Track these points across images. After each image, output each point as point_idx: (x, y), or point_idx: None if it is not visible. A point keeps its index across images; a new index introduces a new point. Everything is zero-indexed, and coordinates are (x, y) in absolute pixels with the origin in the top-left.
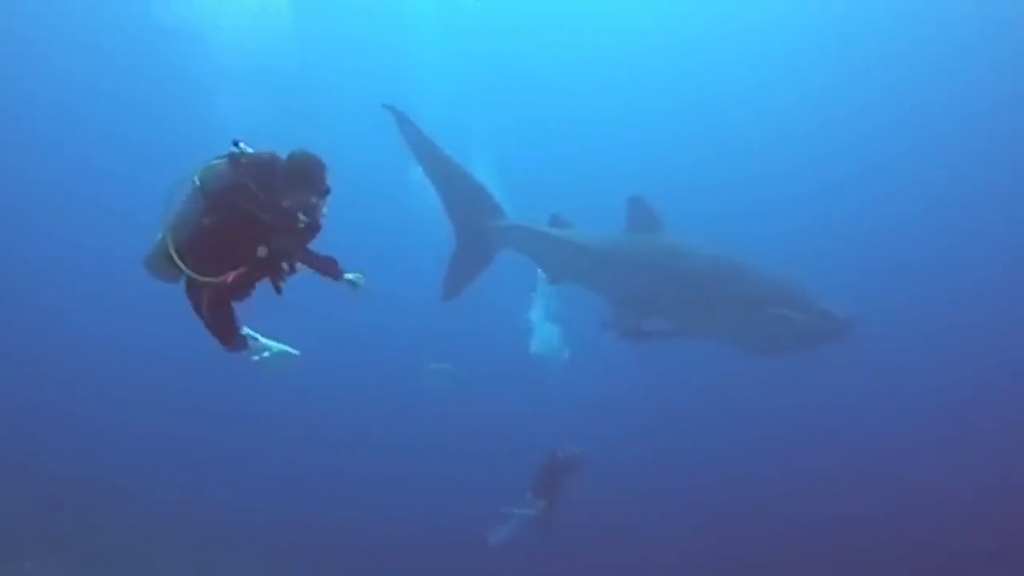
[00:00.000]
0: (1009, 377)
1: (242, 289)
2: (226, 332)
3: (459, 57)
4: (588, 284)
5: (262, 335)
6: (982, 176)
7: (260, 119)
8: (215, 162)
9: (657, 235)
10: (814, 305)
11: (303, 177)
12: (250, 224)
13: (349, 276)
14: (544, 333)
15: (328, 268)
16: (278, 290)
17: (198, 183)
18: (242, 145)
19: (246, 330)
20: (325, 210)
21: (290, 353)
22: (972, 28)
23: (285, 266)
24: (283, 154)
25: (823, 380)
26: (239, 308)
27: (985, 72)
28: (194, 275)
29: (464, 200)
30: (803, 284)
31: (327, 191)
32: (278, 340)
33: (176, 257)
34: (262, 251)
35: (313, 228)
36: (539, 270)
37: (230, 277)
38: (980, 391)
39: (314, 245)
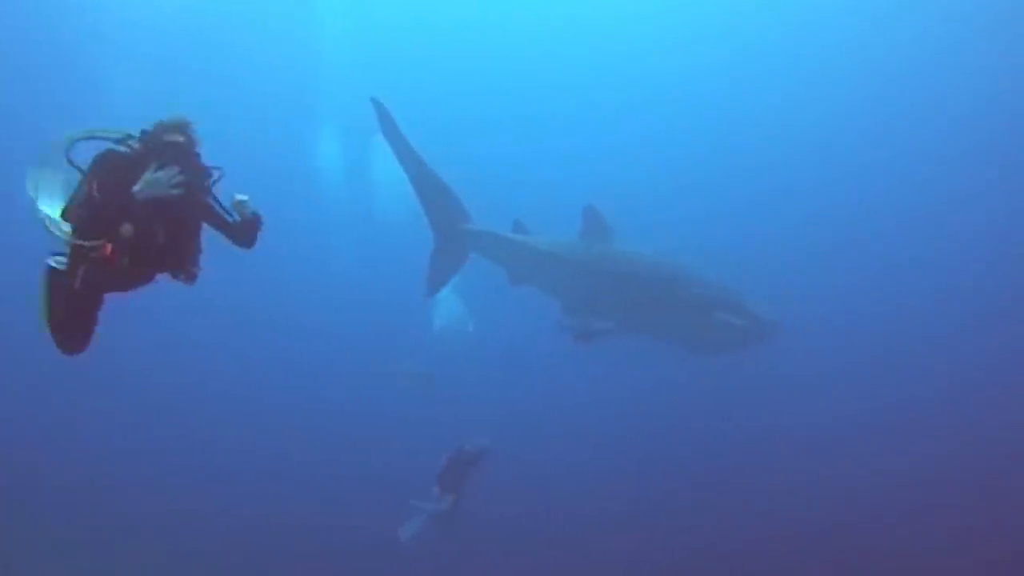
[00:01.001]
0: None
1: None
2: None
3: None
4: (544, 286)
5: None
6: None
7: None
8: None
9: (608, 242)
10: (747, 309)
11: (156, 138)
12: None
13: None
14: (447, 307)
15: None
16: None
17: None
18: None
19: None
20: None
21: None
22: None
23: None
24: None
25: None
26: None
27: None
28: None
29: (439, 203)
30: (739, 290)
31: (185, 152)
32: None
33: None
34: (127, 229)
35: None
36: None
37: (107, 248)
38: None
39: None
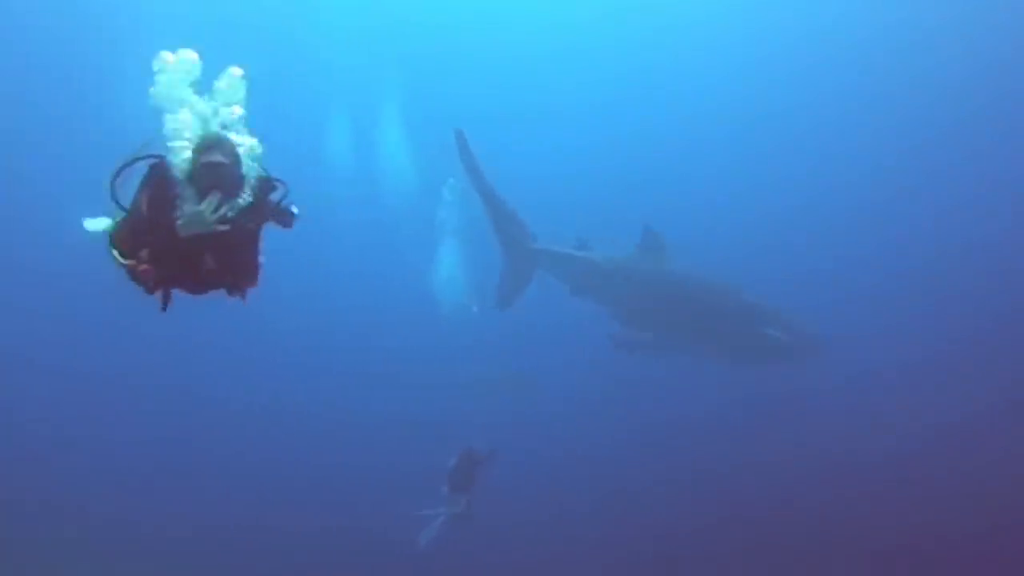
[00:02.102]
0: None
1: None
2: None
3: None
4: (602, 300)
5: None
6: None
7: None
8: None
9: (664, 259)
10: (792, 325)
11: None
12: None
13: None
14: (451, 290)
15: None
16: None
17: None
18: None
19: None
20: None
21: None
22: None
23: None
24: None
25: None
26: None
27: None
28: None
29: (508, 225)
30: (784, 307)
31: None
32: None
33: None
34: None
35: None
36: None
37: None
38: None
39: None
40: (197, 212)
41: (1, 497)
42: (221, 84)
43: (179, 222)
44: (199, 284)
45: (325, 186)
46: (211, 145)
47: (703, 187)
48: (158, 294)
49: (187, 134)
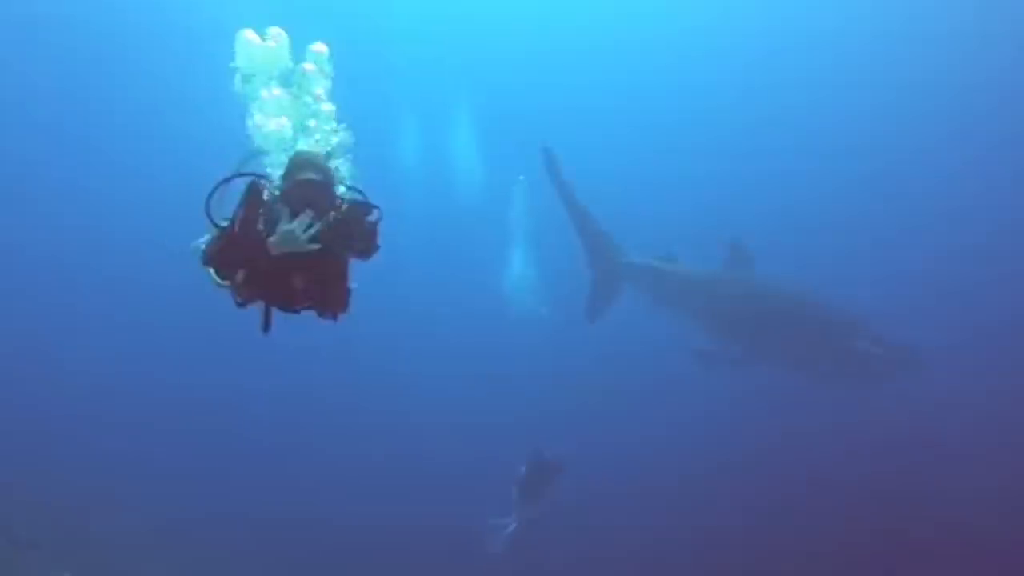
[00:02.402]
0: None
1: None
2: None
3: None
4: (690, 314)
5: None
6: None
7: None
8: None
9: (752, 272)
10: (887, 340)
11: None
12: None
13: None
14: (521, 293)
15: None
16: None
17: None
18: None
19: None
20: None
21: None
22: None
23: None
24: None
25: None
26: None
27: None
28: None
29: (596, 240)
30: (877, 321)
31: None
32: None
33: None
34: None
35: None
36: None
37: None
38: None
39: None
40: (289, 230)
41: (88, 493)
42: (307, 66)
43: (270, 240)
44: (289, 304)
45: (395, 187)
46: (305, 163)
47: (779, 191)
48: (254, 309)
49: (274, 126)
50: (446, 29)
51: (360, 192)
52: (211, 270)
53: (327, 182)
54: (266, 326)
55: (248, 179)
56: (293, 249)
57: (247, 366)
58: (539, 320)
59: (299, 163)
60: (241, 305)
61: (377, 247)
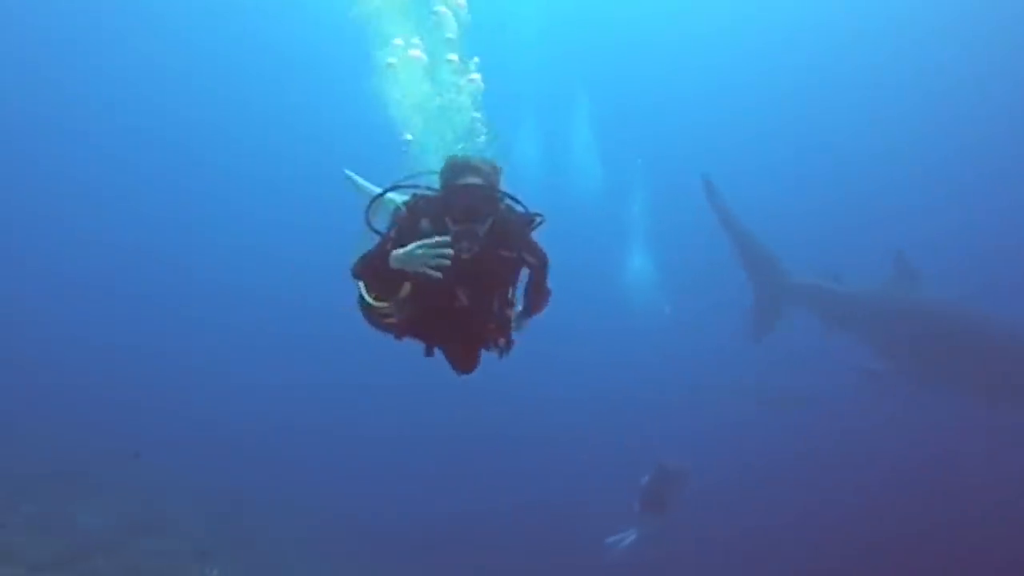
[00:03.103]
0: None
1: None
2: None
3: None
4: (860, 335)
5: None
6: None
7: None
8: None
9: (918, 288)
10: None
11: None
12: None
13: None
14: (643, 288)
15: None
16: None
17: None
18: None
19: None
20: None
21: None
22: None
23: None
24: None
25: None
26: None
27: None
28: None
29: (759, 261)
30: None
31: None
32: None
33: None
34: (405, 290)
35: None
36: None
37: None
38: None
39: None
40: (410, 252)
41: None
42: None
43: (394, 255)
44: (451, 328)
45: (516, 186)
46: (464, 166)
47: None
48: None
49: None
50: (567, 28)
51: (517, 200)
52: (363, 289)
53: (490, 186)
54: (429, 351)
55: (410, 190)
56: (413, 270)
57: (375, 363)
58: (662, 318)
59: (458, 166)
60: (398, 337)
61: (546, 259)
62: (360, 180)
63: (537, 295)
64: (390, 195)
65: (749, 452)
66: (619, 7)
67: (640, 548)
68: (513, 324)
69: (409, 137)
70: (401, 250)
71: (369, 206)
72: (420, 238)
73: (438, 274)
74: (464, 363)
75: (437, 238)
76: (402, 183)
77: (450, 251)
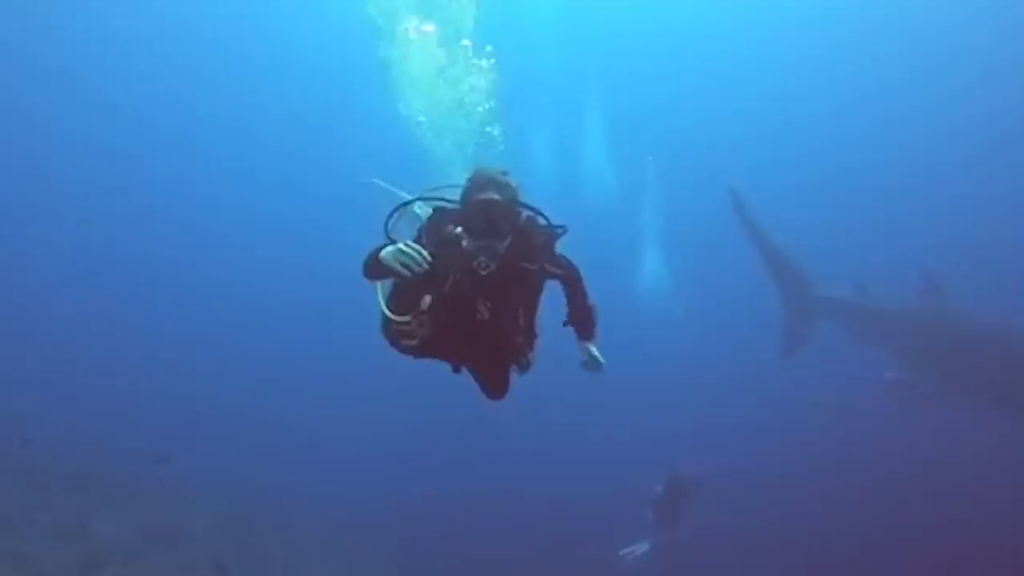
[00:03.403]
0: None
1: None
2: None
3: None
4: (888, 348)
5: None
6: None
7: None
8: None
9: (945, 303)
10: None
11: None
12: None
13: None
14: (654, 288)
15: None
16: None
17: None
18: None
19: None
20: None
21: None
22: None
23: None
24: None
25: None
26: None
27: None
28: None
29: (787, 275)
30: None
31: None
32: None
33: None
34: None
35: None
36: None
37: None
38: None
39: None
40: (394, 250)
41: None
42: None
43: (383, 251)
44: (474, 344)
45: (528, 187)
46: (487, 182)
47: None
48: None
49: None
50: (580, 29)
51: (539, 212)
52: (383, 302)
53: (510, 202)
54: (456, 369)
55: (432, 203)
56: (392, 268)
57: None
58: (674, 320)
59: (480, 182)
60: (419, 355)
61: (577, 272)
62: (387, 186)
63: (578, 309)
64: (416, 210)
65: (764, 458)
66: (633, 7)
67: (653, 558)
68: (582, 359)
69: (422, 119)
70: (388, 247)
71: (391, 215)
72: (439, 249)
73: (407, 273)
74: (495, 386)
75: (415, 245)
76: (426, 195)
77: (424, 260)
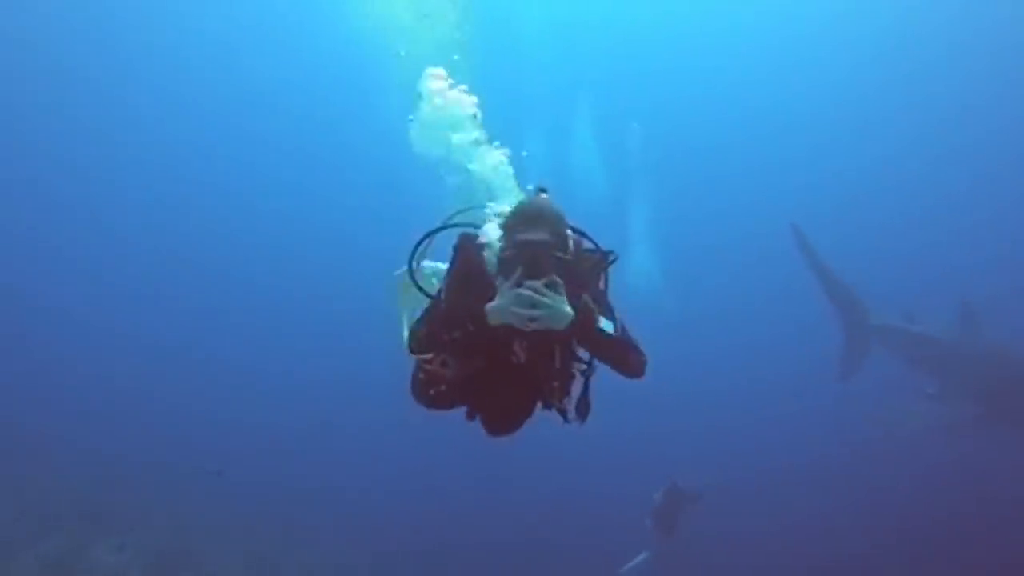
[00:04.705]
0: None
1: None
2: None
3: None
4: (935, 373)
5: None
6: None
7: None
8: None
9: (979, 331)
10: None
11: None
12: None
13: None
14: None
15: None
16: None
17: None
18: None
19: None
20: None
21: None
22: None
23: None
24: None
25: None
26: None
27: None
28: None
29: (847, 304)
30: None
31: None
32: None
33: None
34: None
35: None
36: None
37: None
38: None
39: None
40: (502, 305)
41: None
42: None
43: (488, 309)
44: (506, 388)
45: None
46: (535, 216)
47: None
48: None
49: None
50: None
51: (586, 235)
52: (410, 342)
53: (556, 244)
54: (470, 415)
55: (460, 232)
56: (513, 324)
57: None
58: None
59: (527, 216)
60: (446, 406)
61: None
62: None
63: (609, 349)
64: (427, 272)
65: (765, 465)
66: (623, 9)
67: (651, 567)
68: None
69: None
70: (495, 303)
71: (416, 247)
72: (479, 284)
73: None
74: (505, 423)
75: (526, 290)
76: (451, 223)
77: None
